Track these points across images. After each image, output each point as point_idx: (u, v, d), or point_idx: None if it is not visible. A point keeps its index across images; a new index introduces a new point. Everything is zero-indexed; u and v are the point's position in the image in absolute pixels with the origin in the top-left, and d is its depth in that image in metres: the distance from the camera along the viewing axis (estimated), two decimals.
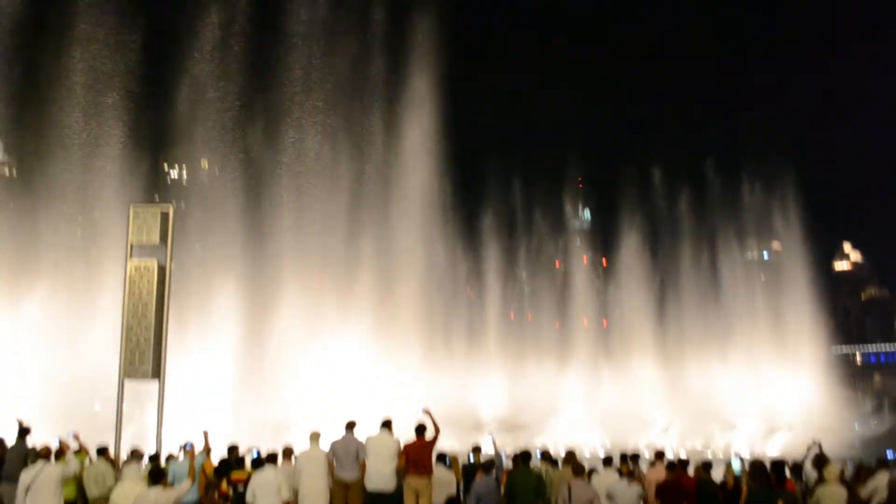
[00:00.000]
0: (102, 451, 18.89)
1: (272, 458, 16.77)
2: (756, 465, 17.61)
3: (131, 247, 23.09)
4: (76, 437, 19.30)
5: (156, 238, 22.91)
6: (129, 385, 22.82)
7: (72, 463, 15.58)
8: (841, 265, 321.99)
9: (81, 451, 19.23)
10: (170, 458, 19.58)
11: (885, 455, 19.16)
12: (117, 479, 17.74)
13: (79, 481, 18.22)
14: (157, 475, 13.98)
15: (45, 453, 15.26)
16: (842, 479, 17.45)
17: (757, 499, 15.85)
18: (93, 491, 17.90)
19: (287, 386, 59.54)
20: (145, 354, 22.34)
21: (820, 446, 19.05)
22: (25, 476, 14.74)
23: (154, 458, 19.74)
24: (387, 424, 17.34)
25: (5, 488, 16.08)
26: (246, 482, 17.39)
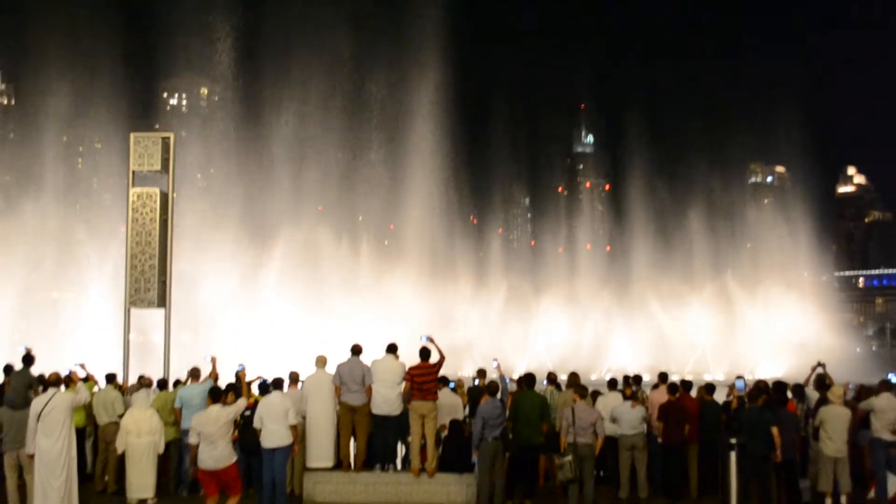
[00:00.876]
0: (111, 379, 19.06)
1: (278, 383, 16.89)
2: (755, 386, 17.77)
3: (133, 175, 23.01)
4: (83, 367, 19.44)
5: (157, 165, 22.82)
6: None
7: (82, 391, 15.69)
8: (845, 189, 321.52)
9: (90, 380, 19.40)
10: (177, 383, 19.74)
11: (888, 377, 19.21)
12: (126, 405, 17.92)
13: (88, 408, 18.42)
14: (216, 393, 14.85)
15: (54, 380, 15.36)
16: (844, 400, 17.57)
17: (748, 418, 16.03)
18: (102, 418, 18.12)
19: (287, 311, 59.96)
20: (150, 283, 22.40)
21: (824, 367, 19.14)
22: (37, 403, 14.87)
23: (162, 385, 19.92)
24: (392, 349, 17.42)
25: (5, 414, 16.20)
26: (253, 408, 17.52)
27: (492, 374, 19.12)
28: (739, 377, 19.07)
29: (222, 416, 14.26)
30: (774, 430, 15.79)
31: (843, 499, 16.83)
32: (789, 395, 18.14)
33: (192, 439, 14.34)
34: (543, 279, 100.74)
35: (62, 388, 15.57)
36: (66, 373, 18.83)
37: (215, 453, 14.07)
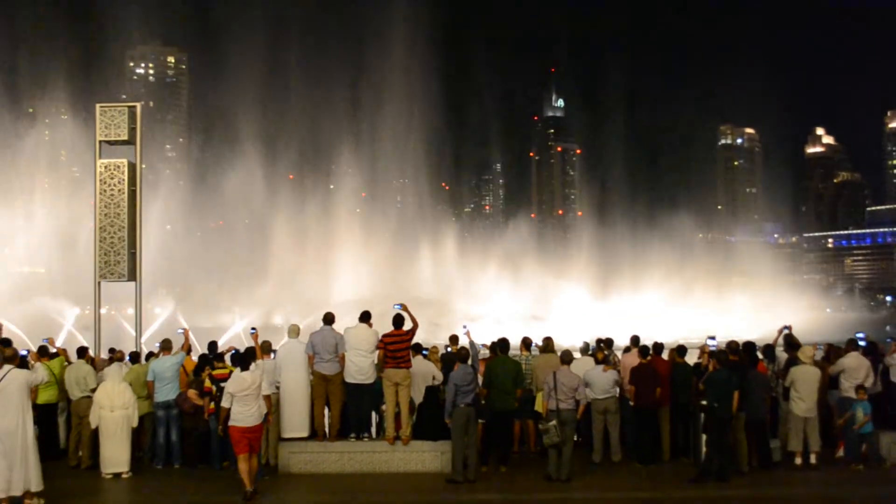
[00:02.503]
0: (82, 353, 18.94)
1: (251, 353, 16.85)
2: (726, 347, 17.93)
3: (100, 146, 22.76)
4: (51, 342, 19.29)
5: (124, 135, 22.56)
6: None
7: (39, 371, 15.40)
8: (813, 149, 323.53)
9: (60, 354, 19.25)
10: (150, 355, 19.66)
11: (857, 337, 19.42)
12: (99, 380, 17.82)
13: (60, 383, 18.31)
14: (246, 359, 15.61)
15: (10, 355, 15.13)
16: (814, 361, 17.76)
17: (717, 379, 16.18)
18: (75, 392, 18.00)
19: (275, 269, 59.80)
20: (120, 255, 22.22)
21: (790, 329, 19.35)
22: None
23: (135, 358, 19.83)
24: (365, 317, 17.40)
25: None
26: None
27: (462, 341, 19.17)
28: (711, 337, 19.21)
29: (253, 378, 15.05)
30: (735, 394, 15.97)
31: (813, 457, 17.08)
32: (759, 356, 18.29)
33: (225, 403, 15.10)
34: (516, 245, 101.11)
35: (18, 363, 15.37)
36: (37, 347, 18.77)
37: (250, 412, 14.88)
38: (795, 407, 17.04)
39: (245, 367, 15.34)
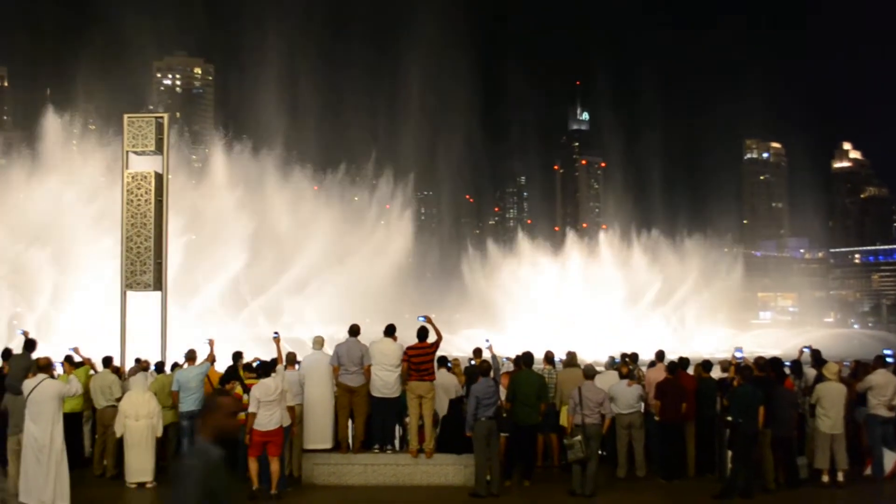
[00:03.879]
0: (108, 362, 19.03)
1: (273, 364, 16.90)
2: (753, 362, 17.82)
3: (127, 156, 22.91)
4: (76, 351, 19.41)
5: (151, 146, 22.70)
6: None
7: (73, 383, 15.54)
8: (840, 164, 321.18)
9: (86, 364, 19.35)
10: (175, 366, 19.73)
11: (884, 353, 19.29)
12: (124, 389, 17.90)
13: (86, 392, 18.40)
14: (268, 366, 16.30)
15: (44, 365, 15.27)
16: (840, 377, 17.61)
17: (741, 394, 16.06)
18: (100, 401, 18.07)
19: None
20: (146, 265, 22.33)
21: (810, 349, 19.27)
22: (26, 386, 14.81)
23: (160, 368, 19.92)
24: (389, 330, 17.39)
25: (10, 399, 16.19)
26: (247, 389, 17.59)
27: (484, 354, 19.16)
28: (738, 349, 19.12)
29: (276, 384, 15.46)
30: (761, 410, 15.84)
31: (840, 475, 16.89)
32: (786, 371, 18.16)
33: (252, 408, 15.36)
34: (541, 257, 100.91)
35: (54, 374, 15.54)
36: (63, 357, 18.88)
37: (271, 417, 15.26)
38: (822, 424, 16.88)
39: (268, 374, 15.73)
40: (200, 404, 17.49)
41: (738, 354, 18.56)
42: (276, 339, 19.02)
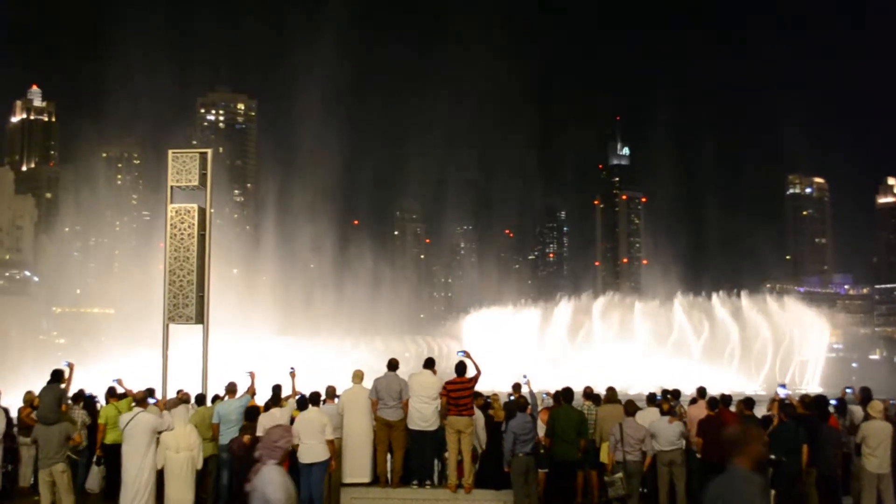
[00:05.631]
0: (150, 395, 19.16)
1: (315, 398, 16.96)
2: (799, 400, 17.58)
3: (171, 191, 23.19)
4: (119, 383, 19.58)
5: (195, 181, 22.95)
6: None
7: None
8: (885, 199, 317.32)
9: (128, 395, 19.51)
10: (216, 399, 19.84)
11: None
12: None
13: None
14: (314, 400, 16.73)
15: (141, 398, 15.56)
16: (886, 415, 17.32)
17: (783, 432, 15.83)
18: None
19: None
20: (188, 298, 22.50)
21: (853, 390, 19.01)
22: (122, 420, 15.04)
23: (200, 400, 20.03)
24: (429, 364, 17.40)
25: (40, 430, 16.34)
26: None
27: (523, 390, 19.08)
28: (782, 384, 18.87)
29: (323, 416, 16.15)
30: (804, 449, 15.58)
31: None
32: (831, 410, 17.89)
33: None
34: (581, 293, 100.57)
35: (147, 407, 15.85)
36: (107, 388, 19.09)
37: (313, 450, 15.84)
38: (868, 463, 16.58)
39: (315, 404, 16.48)
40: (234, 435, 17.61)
41: (781, 391, 18.28)
42: (292, 374, 19.21)
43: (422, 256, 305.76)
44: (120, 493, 14.87)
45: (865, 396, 18.18)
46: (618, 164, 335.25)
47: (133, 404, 15.47)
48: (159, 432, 15.41)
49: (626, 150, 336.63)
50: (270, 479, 7.66)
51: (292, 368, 19.77)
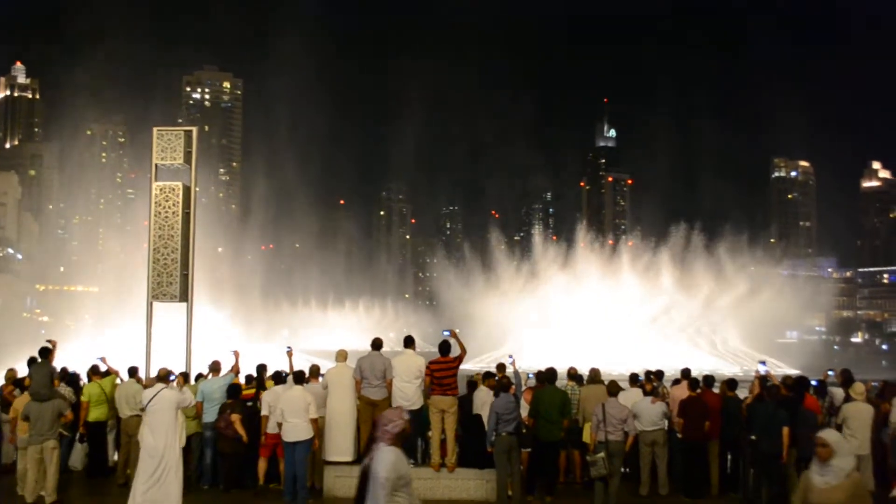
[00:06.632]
0: (133, 372, 19.16)
1: (299, 376, 16.97)
2: (781, 381, 17.68)
3: (156, 168, 23.08)
4: (104, 361, 19.56)
5: (180, 159, 22.86)
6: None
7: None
8: (869, 183, 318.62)
9: (112, 373, 19.50)
10: (199, 377, 19.84)
11: None
12: None
13: (111, 402, 18.55)
14: (297, 379, 17.04)
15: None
16: (867, 397, 17.45)
17: (760, 412, 15.94)
18: (125, 411, 18.20)
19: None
20: (172, 276, 22.45)
21: (835, 373, 19.10)
22: (144, 396, 15.03)
23: (184, 379, 20.00)
24: (409, 342, 17.43)
25: (32, 407, 16.32)
26: (253, 399, 17.76)
27: (507, 370, 19.13)
28: (762, 361, 18.96)
29: (307, 395, 16.23)
30: (785, 430, 15.67)
31: None
32: (810, 391, 18.00)
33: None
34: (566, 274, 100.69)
35: (172, 384, 15.91)
36: (90, 366, 19.07)
37: (297, 428, 15.99)
38: (848, 445, 16.69)
39: (298, 382, 16.77)
40: (215, 416, 17.63)
41: (761, 368, 18.39)
42: (289, 353, 19.37)
43: (407, 237, 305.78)
44: (137, 468, 14.86)
45: (846, 378, 18.29)
46: (604, 146, 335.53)
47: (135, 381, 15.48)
48: (181, 408, 15.44)
49: (612, 133, 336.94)
50: (382, 460, 7.98)
51: (289, 348, 19.90)
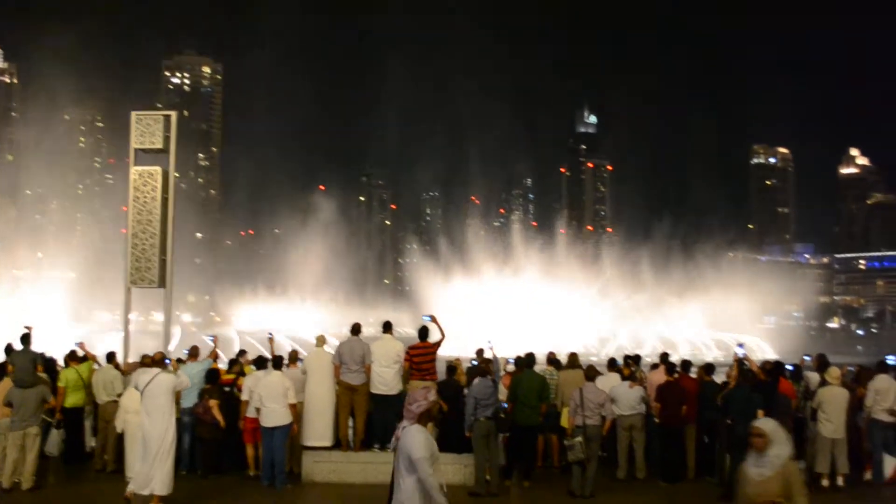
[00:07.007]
0: (111, 358, 19.09)
1: (278, 361, 16.97)
2: (759, 366, 17.80)
3: (135, 153, 22.92)
4: (81, 346, 19.48)
5: (159, 143, 22.71)
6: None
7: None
8: (847, 170, 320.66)
9: (89, 358, 19.40)
10: (179, 362, 19.77)
11: (886, 359, 19.27)
12: (126, 384, 17.94)
13: (88, 387, 18.47)
14: (276, 364, 16.88)
15: (159, 359, 15.53)
16: (843, 381, 17.60)
17: (735, 397, 16.06)
18: (102, 396, 18.14)
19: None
20: (151, 262, 22.33)
21: (811, 358, 19.27)
22: (141, 380, 14.94)
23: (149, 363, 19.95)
24: (387, 327, 17.44)
25: (15, 393, 16.25)
26: (232, 383, 17.76)
27: (486, 355, 19.18)
28: (740, 344, 19.06)
29: (285, 381, 16.27)
30: (760, 414, 15.77)
31: (840, 480, 16.89)
32: (786, 375, 18.13)
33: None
34: (546, 260, 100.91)
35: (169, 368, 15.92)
36: (67, 351, 18.98)
37: (275, 413, 16.06)
38: (823, 428, 16.87)
39: (277, 367, 16.80)
40: (195, 400, 17.60)
41: (739, 350, 18.50)
42: (270, 340, 19.44)
43: (387, 222, 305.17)
44: (138, 452, 14.80)
45: (822, 363, 18.45)
46: (585, 133, 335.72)
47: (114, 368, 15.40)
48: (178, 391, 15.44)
49: (593, 119, 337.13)
50: (412, 439, 8.20)
51: (270, 334, 20.01)
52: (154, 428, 14.39)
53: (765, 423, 8.64)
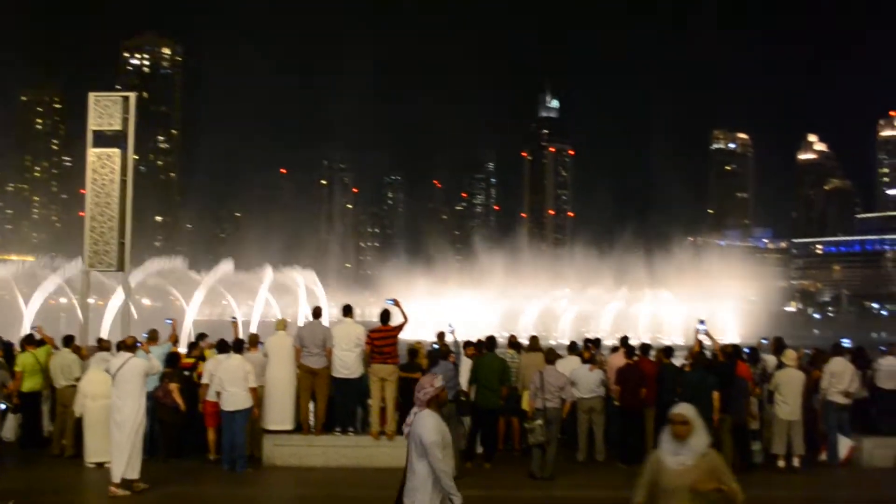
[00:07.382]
0: (69, 341, 18.89)
1: (239, 345, 16.88)
2: (721, 349, 18.00)
3: (93, 135, 22.65)
4: (38, 330, 19.27)
5: (117, 125, 22.46)
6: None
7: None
8: (805, 156, 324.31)
9: (47, 343, 19.19)
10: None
11: (841, 342, 19.58)
12: (84, 369, 17.78)
13: (45, 371, 18.26)
14: (237, 347, 16.85)
15: (131, 343, 15.33)
16: (799, 364, 17.84)
17: (690, 380, 16.23)
18: (59, 381, 17.93)
19: None
20: (110, 245, 22.12)
21: (769, 340, 19.50)
22: (112, 365, 14.81)
23: (121, 347, 19.80)
24: (347, 311, 17.44)
25: None
26: (192, 367, 17.68)
27: (447, 339, 19.22)
28: (701, 321, 19.19)
29: (245, 365, 16.28)
30: (715, 395, 15.97)
31: (796, 461, 17.14)
32: (744, 358, 18.33)
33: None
34: (507, 244, 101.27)
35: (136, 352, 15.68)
36: (24, 335, 18.76)
37: (235, 397, 16.06)
38: (779, 410, 17.10)
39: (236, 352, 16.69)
40: (156, 383, 17.48)
41: (700, 327, 18.66)
42: (234, 324, 19.36)
43: (349, 206, 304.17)
44: (114, 438, 14.68)
45: (779, 346, 18.68)
46: (546, 117, 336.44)
47: (90, 352, 15.24)
48: (149, 375, 15.31)
49: (555, 103, 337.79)
50: (423, 423, 8.25)
51: (234, 318, 19.94)
52: (127, 412, 14.35)
53: (687, 409, 8.05)
